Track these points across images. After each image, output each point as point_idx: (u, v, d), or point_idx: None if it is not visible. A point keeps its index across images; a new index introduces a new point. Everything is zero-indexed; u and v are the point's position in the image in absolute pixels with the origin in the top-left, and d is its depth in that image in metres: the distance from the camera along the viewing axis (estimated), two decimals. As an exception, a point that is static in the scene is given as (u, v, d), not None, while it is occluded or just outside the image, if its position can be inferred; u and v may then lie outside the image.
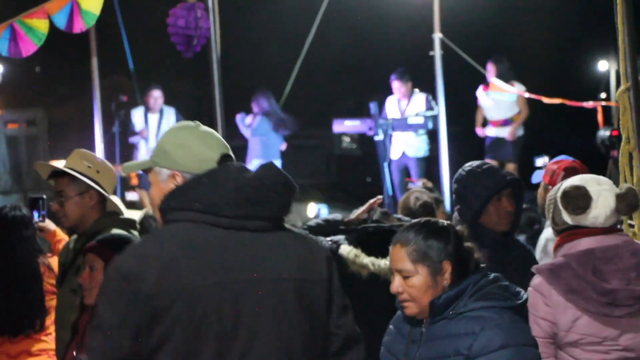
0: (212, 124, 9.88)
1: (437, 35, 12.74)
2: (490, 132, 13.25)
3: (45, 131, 18.82)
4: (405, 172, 13.42)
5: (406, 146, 13.30)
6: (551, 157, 12.13)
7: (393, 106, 13.40)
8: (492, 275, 3.77)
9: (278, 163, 13.69)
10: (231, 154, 3.44)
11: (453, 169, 11.88)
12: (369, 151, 13.67)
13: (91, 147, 11.68)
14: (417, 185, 10.93)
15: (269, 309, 3.24)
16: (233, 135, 13.50)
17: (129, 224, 5.18)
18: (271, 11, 16.81)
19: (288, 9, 15.93)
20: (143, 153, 13.43)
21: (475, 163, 5.15)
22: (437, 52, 12.77)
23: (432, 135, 13.29)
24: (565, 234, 4.30)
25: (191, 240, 3.23)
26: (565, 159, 6.09)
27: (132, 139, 13.56)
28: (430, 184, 10.78)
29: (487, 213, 4.95)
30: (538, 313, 4.17)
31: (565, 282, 4.14)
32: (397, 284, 3.74)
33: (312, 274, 3.35)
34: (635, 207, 4.47)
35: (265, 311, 3.23)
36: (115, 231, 4.93)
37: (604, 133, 11.82)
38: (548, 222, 4.81)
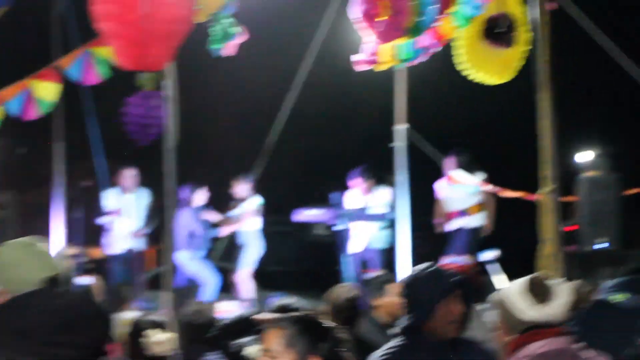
0: (166, 212, 9.94)
1: (400, 126, 12.84)
2: (451, 224, 13.31)
3: (16, 215, 18.85)
4: (364, 264, 13.46)
5: (368, 239, 13.36)
6: (502, 252, 12.27)
7: (356, 197, 13.48)
8: None
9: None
10: (59, 276, 3.38)
11: (416, 261, 11.90)
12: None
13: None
14: (379, 275, 10.92)
15: None
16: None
17: None
18: (233, 101, 16.98)
19: (247, 100, 16.13)
20: (117, 233, 13.45)
21: (421, 266, 5.14)
22: (400, 143, 12.84)
23: (393, 227, 13.32)
24: (527, 334, 4.31)
25: None
26: (454, 261, 6.17)
27: (102, 220, 13.57)
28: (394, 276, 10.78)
29: (435, 319, 4.90)
30: None
31: None
32: None
33: None
34: (588, 300, 4.55)
35: None
36: None
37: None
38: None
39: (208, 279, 13.48)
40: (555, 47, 5.97)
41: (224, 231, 13.94)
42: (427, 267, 5.08)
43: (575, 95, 18.03)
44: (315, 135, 18.26)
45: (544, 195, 5.74)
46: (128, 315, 7.53)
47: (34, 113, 8.27)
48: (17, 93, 8.30)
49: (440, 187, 13.30)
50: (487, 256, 12.29)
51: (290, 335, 3.77)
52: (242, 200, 13.67)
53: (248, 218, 13.66)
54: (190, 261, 13.43)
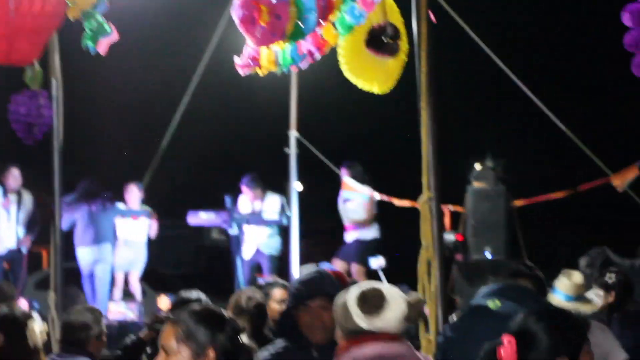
0: (51, 211, 9.81)
1: (293, 133, 12.89)
2: (347, 236, 13.37)
3: None
4: (257, 269, 13.45)
5: (260, 244, 13.37)
6: (388, 260, 12.37)
7: (246, 204, 13.49)
8: None
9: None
10: None
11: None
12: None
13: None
14: (268, 280, 10.94)
15: None
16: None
17: None
18: (125, 103, 16.83)
19: (140, 101, 16.01)
20: (3, 228, 13.16)
21: (304, 269, 5.23)
22: (292, 150, 12.90)
23: (285, 234, 13.35)
24: (353, 337, 4.35)
25: None
26: (329, 268, 6.19)
27: None
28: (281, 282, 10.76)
29: (304, 323, 4.98)
30: None
31: None
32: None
33: None
34: (421, 316, 4.60)
35: None
36: None
37: (448, 237, 12.01)
38: None
39: (105, 278, 13.31)
40: (440, 57, 6.06)
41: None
42: (308, 273, 5.12)
43: (465, 106, 18.37)
44: (211, 137, 18.20)
45: (422, 203, 5.80)
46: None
47: None
48: None
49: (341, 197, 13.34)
50: (375, 263, 12.39)
51: (185, 330, 3.68)
52: (133, 207, 13.52)
53: (141, 225, 13.52)
54: (89, 258, 13.24)
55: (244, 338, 5.64)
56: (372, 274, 12.35)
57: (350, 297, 4.43)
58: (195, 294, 6.16)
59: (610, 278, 7.18)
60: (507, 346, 3.73)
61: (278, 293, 7.60)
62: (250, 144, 18.00)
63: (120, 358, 6.46)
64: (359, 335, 4.34)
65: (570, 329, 3.80)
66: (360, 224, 13.20)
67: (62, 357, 6.46)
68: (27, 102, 9.28)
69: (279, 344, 5.15)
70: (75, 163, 11.43)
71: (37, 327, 5.76)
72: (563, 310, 4.08)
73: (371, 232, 13.27)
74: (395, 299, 4.40)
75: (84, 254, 13.29)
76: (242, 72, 5.24)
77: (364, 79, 5.80)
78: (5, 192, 13.15)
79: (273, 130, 14.11)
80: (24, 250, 13.37)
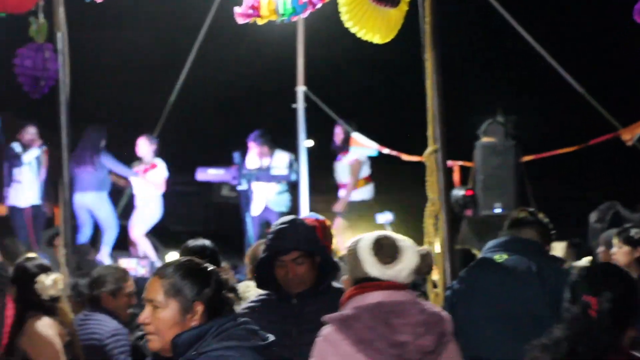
0: (60, 167, 9.80)
1: (301, 88, 12.84)
2: (363, 193, 13.30)
3: None
4: (266, 225, 13.43)
5: (268, 201, 13.33)
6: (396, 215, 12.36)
7: (254, 160, 13.43)
8: (241, 319, 3.78)
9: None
10: None
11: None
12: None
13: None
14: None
15: None
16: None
17: None
18: (132, 57, 16.77)
19: (147, 55, 15.93)
20: (27, 187, 13.19)
21: (279, 221, 5.19)
22: (300, 105, 12.85)
23: (294, 190, 13.33)
24: (357, 286, 4.36)
25: None
26: (311, 217, 6.15)
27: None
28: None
29: (278, 277, 5.00)
30: (324, 357, 4.23)
31: (357, 332, 4.21)
32: (145, 314, 3.75)
33: None
34: (431, 268, 4.60)
35: None
36: None
37: (457, 192, 11.98)
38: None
39: (112, 226, 13.31)
40: (446, 10, 6.00)
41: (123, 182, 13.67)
42: (282, 223, 5.12)
43: (474, 61, 18.24)
44: (219, 94, 18.14)
45: (427, 156, 5.75)
46: None
47: None
48: None
49: (358, 159, 13.20)
50: (382, 219, 12.37)
51: (172, 284, 3.70)
52: (144, 160, 13.44)
53: (149, 179, 13.46)
54: (100, 204, 13.21)
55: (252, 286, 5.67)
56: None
57: (363, 245, 4.41)
58: (201, 241, 6.17)
59: (638, 233, 7.07)
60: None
61: None
62: (258, 100, 17.96)
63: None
64: (364, 283, 4.33)
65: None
66: (350, 185, 13.11)
67: (84, 314, 6.52)
68: (32, 55, 9.23)
69: (260, 295, 5.21)
70: (82, 117, 11.38)
71: (49, 280, 5.79)
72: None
73: (364, 193, 13.20)
74: (409, 249, 4.40)
75: (99, 197, 13.24)
76: (240, 20, 5.17)
77: (365, 29, 5.71)
78: (25, 149, 13.15)
79: (281, 86, 14.05)
80: (42, 205, 13.40)
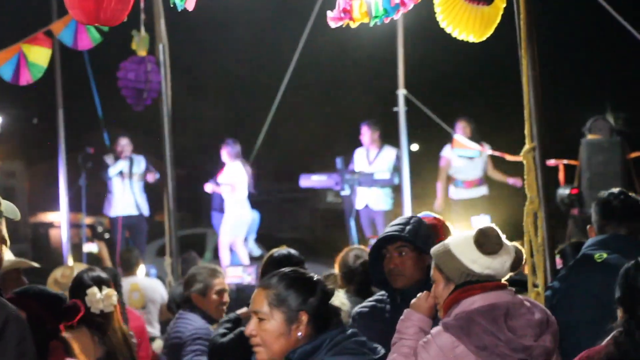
0: (164, 179, 9.98)
1: (402, 92, 12.80)
2: (463, 194, 13.25)
3: (25, 184, 19.01)
4: (372, 225, 13.42)
5: (372, 199, 13.33)
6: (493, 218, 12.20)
7: (362, 157, 13.43)
8: (350, 330, 3.76)
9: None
10: None
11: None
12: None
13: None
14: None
15: None
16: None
17: None
18: (229, 68, 16.95)
19: (245, 67, 16.07)
20: (118, 198, 13.50)
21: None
22: (401, 108, 12.82)
23: (396, 190, 13.31)
24: (462, 289, 4.25)
25: None
26: (427, 216, 6.12)
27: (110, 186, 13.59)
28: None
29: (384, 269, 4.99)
30: None
31: (477, 338, 4.11)
32: (251, 326, 3.74)
33: None
34: (521, 263, 4.53)
35: None
36: None
37: (563, 191, 11.81)
38: None
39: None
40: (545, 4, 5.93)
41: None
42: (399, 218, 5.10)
43: (579, 57, 17.92)
44: (320, 101, 18.22)
45: (524, 154, 5.67)
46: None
47: (27, 78, 8.23)
48: (9, 58, 8.24)
49: (449, 155, 13.22)
50: (477, 222, 12.24)
51: (276, 294, 3.69)
52: (228, 165, 13.56)
53: (231, 185, 13.53)
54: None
55: (341, 296, 5.67)
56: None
57: (460, 242, 4.34)
58: (286, 251, 6.14)
59: None
60: None
61: None
62: (358, 105, 17.95)
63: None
64: (469, 286, 4.25)
65: None
66: (482, 180, 13.14)
67: (178, 314, 6.62)
68: (135, 68, 9.44)
69: (370, 300, 5.20)
70: (184, 128, 11.58)
71: (100, 294, 5.76)
72: None
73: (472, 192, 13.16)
74: (509, 244, 4.35)
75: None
76: (333, 24, 5.16)
77: (459, 28, 5.67)
78: (117, 160, 13.46)
79: (381, 90, 14.05)
80: (146, 213, 13.67)
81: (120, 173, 13.45)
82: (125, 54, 9.60)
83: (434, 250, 4.40)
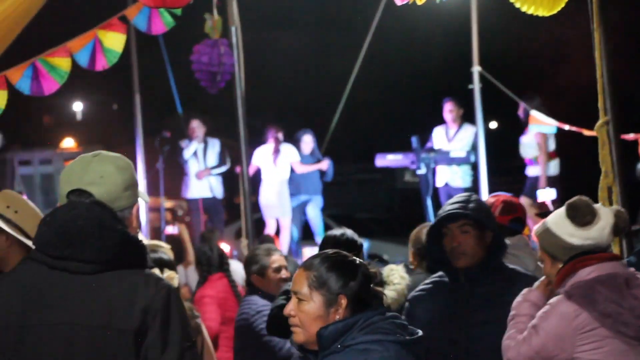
0: (238, 160, 10.06)
1: (476, 69, 12.71)
2: (534, 170, 13.11)
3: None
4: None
5: (450, 175, 13.27)
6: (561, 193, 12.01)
7: (441, 135, 13.36)
8: (390, 314, 3.70)
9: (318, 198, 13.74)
10: (87, 188, 3.39)
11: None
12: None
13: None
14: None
15: (53, 355, 3.22)
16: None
17: None
18: (302, 45, 16.95)
19: (316, 50, 16.04)
20: (194, 180, 13.67)
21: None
22: (476, 86, 12.73)
23: (473, 168, 13.22)
24: (577, 260, 4.26)
25: (20, 279, 3.32)
26: (503, 194, 6.09)
27: (186, 168, 13.76)
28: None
29: (444, 248, 4.90)
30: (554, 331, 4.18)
31: (601, 305, 4.13)
32: (290, 306, 3.72)
33: (119, 322, 3.24)
34: (628, 225, 4.51)
35: (49, 357, 3.23)
36: None
37: (640, 166, 11.66)
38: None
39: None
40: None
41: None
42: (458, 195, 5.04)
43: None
44: (394, 80, 18.16)
45: (598, 128, 5.60)
46: None
47: (103, 64, 8.32)
48: (85, 44, 8.33)
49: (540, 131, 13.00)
50: (544, 196, 12.12)
51: (317, 276, 3.67)
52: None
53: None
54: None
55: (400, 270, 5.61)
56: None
57: (557, 216, 4.35)
58: (339, 230, 6.10)
59: None
60: None
61: None
62: (433, 84, 17.85)
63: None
64: (584, 257, 4.25)
65: None
66: (535, 160, 12.94)
67: (243, 300, 6.66)
68: (208, 51, 9.48)
69: (432, 277, 5.11)
70: (258, 110, 11.64)
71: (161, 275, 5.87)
72: None
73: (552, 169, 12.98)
74: (603, 209, 4.33)
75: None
76: (399, 2, 5.15)
77: (528, 3, 5.61)
78: (193, 142, 13.60)
79: (456, 68, 13.95)
80: (219, 196, 13.82)
81: (195, 155, 13.60)
82: (199, 38, 9.66)
83: (535, 230, 4.41)
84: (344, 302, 3.64)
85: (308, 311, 3.67)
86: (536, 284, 4.51)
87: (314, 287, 3.67)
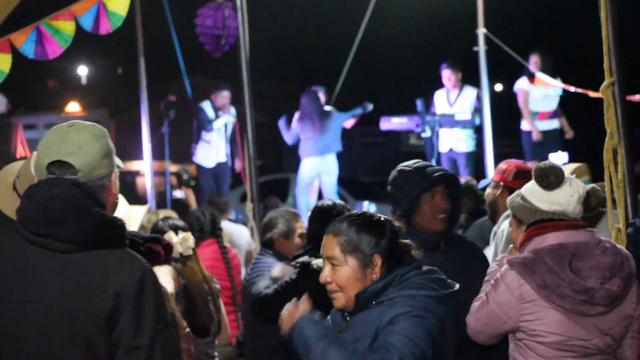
0: (243, 125, 10.03)
1: (481, 31, 12.64)
2: (540, 125, 13.09)
3: (109, 132, 19.24)
4: (455, 167, 13.35)
5: (454, 141, 13.25)
6: (573, 154, 12.02)
7: (442, 99, 13.35)
8: (426, 268, 3.76)
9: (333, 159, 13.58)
10: (66, 159, 3.35)
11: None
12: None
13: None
14: (461, 182, 10.85)
15: (24, 333, 3.24)
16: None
17: None
18: (306, 10, 16.87)
19: (316, 10, 15.95)
20: (215, 147, 13.64)
21: (407, 162, 5.10)
22: (481, 48, 12.67)
23: (478, 131, 13.20)
24: (534, 227, 4.29)
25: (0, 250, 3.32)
26: (515, 160, 6.14)
27: (204, 135, 13.70)
28: (474, 182, 10.64)
29: (420, 212, 4.84)
30: (500, 299, 4.22)
31: (540, 277, 4.14)
32: (326, 273, 3.77)
33: (92, 305, 3.24)
34: (600, 203, 4.50)
35: (19, 335, 3.24)
36: None
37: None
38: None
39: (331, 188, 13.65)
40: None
41: None
42: (411, 163, 5.04)
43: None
44: (398, 42, 18.10)
45: (603, 89, 5.59)
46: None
47: (107, 27, 8.30)
48: (89, 8, 8.31)
49: (526, 87, 13.03)
50: (555, 158, 12.09)
51: (347, 241, 3.72)
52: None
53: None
54: (313, 169, 13.52)
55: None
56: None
57: (528, 184, 4.39)
58: (328, 202, 6.10)
59: None
60: None
61: None
62: (438, 46, 17.79)
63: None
64: (542, 224, 4.26)
65: None
66: (556, 113, 12.98)
67: (256, 257, 6.68)
68: (213, 14, 9.48)
69: None
70: (261, 73, 11.60)
71: (177, 238, 5.93)
72: None
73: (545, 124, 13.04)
74: (574, 179, 4.33)
75: (307, 165, 13.44)
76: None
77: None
78: (216, 113, 13.56)
79: (460, 30, 13.89)
80: (230, 163, 13.80)
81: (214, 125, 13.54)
82: (203, 1, 9.63)
83: (509, 200, 4.43)
84: (378, 261, 3.72)
85: (345, 275, 3.73)
86: (508, 248, 4.55)
87: (347, 251, 3.72)
